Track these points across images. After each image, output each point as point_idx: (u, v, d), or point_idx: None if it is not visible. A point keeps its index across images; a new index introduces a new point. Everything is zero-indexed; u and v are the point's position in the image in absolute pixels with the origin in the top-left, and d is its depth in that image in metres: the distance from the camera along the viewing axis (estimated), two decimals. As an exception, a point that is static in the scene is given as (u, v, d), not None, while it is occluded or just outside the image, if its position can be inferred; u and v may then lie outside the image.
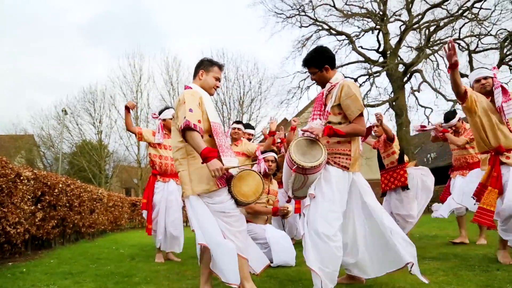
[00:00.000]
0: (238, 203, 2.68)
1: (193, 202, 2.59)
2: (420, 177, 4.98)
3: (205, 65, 2.87)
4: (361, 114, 2.65)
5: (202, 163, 2.48)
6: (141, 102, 23.69)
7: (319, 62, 2.80)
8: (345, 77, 2.97)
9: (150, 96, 23.80)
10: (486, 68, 3.66)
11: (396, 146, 4.97)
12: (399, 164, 4.85)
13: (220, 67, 2.90)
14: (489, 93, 3.52)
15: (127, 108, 4.49)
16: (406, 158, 5.10)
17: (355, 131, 2.66)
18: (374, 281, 2.90)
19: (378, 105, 18.55)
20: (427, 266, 3.42)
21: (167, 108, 4.85)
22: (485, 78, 3.55)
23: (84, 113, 24.20)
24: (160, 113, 4.79)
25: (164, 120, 4.72)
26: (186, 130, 2.51)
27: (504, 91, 3.38)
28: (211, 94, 2.84)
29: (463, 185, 4.36)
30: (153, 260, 4.56)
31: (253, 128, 5.67)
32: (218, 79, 2.87)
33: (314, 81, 2.93)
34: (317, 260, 2.49)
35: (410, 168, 5.01)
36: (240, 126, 4.99)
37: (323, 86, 2.88)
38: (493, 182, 3.31)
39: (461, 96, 3.37)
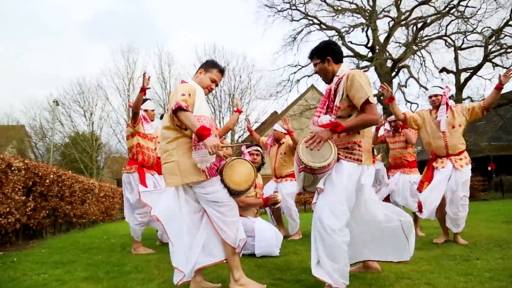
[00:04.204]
0: (231, 192, 2.66)
1: (179, 192, 2.62)
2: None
3: (206, 65, 2.87)
4: (368, 102, 2.46)
5: (198, 141, 2.44)
6: (134, 96, 23.48)
7: (322, 53, 2.70)
8: None
9: (142, 88, 23.48)
10: (439, 87, 4.41)
11: None
12: None
13: (221, 70, 2.88)
14: (438, 108, 4.32)
15: (143, 89, 4.13)
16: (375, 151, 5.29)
17: (364, 121, 2.48)
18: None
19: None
20: (410, 256, 3.47)
21: (146, 99, 4.66)
22: (436, 95, 4.36)
23: (75, 105, 23.94)
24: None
25: (145, 111, 4.57)
26: (178, 111, 2.44)
27: (448, 107, 4.22)
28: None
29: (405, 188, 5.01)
30: (144, 250, 4.53)
31: None
32: (214, 81, 2.84)
33: (317, 74, 2.82)
34: (326, 256, 2.38)
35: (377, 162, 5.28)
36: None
37: (326, 81, 2.77)
38: (429, 178, 4.25)
39: (402, 120, 4.46)
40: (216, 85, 2.90)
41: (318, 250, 2.41)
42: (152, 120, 4.68)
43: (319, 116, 2.62)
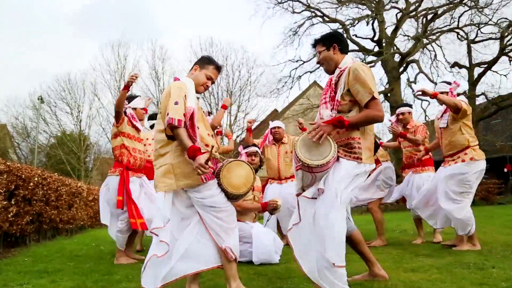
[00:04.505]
0: (229, 196, 2.66)
1: (169, 197, 2.65)
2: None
3: (202, 61, 2.89)
4: (373, 98, 2.47)
5: (190, 158, 2.47)
6: (125, 92, 23.43)
7: (327, 40, 2.72)
8: None
9: (134, 86, 23.53)
10: (446, 82, 4.40)
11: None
12: None
13: (217, 67, 2.90)
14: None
15: (127, 86, 4.07)
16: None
17: (368, 118, 2.50)
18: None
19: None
20: (420, 264, 3.47)
21: (136, 96, 4.63)
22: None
23: (62, 102, 23.90)
24: (129, 100, 4.51)
25: (134, 109, 4.48)
26: (172, 128, 2.51)
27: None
28: (198, 92, 2.82)
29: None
30: (126, 260, 4.47)
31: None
32: (210, 79, 2.86)
33: (319, 64, 2.84)
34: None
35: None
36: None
37: (328, 71, 2.77)
38: None
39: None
40: (212, 83, 2.92)
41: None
42: (141, 120, 4.60)
43: (325, 104, 2.64)
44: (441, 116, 4.33)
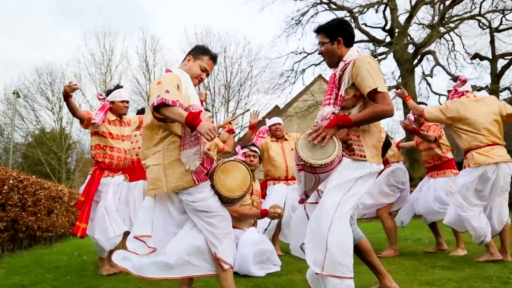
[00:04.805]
0: (223, 200, 2.66)
1: (158, 202, 2.67)
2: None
3: (196, 51, 2.90)
4: (377, 91, 2.46)
5: (191, 131, 2.47)
6: (112, 85, 23.34)
7: (333, 31, 2.71)
8: None
9: (123, 79, 23.57)
10: (455, 79, 4.44)
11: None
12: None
13: (213, 58, 2.90)
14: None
15: (65, 97, 4.06)
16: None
17: (374, 114, 2.49)
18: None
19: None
20: (437, 276, 3.45)
21: (118, 87, 4.56)
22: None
23: (41, 97, 23.87)
24: (108, 94, 4.48)
25: (112, 102, 4.41)
26: (161, 108, 2.45)
27: None
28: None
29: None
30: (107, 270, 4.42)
31: None
32: (205, 70, 2.86)
33: (320, 56, 2.84)
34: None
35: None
36: (209, 114, 5.08)
37: (330, 65, 2.78)
38: None
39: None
40: (207, 75, 2.93)
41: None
42: (123, 114, 4.49)
43: (328, 104, 2.63)
44: None
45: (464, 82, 4.31)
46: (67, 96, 4.04)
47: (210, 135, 2.34)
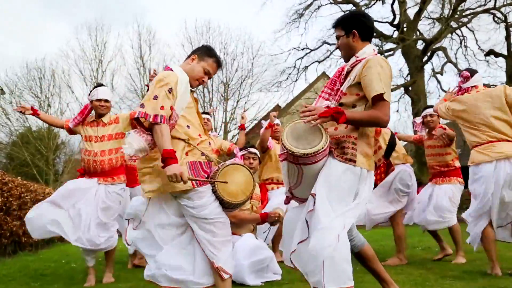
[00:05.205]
0: (224, 205, 2.66)
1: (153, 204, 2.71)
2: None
3: (201, 51, 2.93)
4: (382, 98, 2.47)
5: (162, 167, 2.49)
6: (103, 83, 23.27)
7: (348, 24, 2.72)
8: None
9: (116, 76, 23.56)
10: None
11: None
12: (385, 159, 4.81)
13: (218, 61, 2.95)
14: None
15: (34, 113, 4.48)
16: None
17: (371, 118, 2.50)
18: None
19: (391, 90, 18.53)
20: (447, 287, 3.44)
21: (99, 85, 4.55)
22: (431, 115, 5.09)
23: (28, 94, 23.80)
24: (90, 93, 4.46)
25: (91, 102, 4.37)
26: (154, 125, 2.53)
27: None
28: (191, 87, 2.84)
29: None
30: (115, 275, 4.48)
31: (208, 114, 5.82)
32: (208, 73, 2.90)
33: (338, 49, 2.86)
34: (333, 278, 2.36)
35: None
36: (208, 116, 5.24)
37: (346, 59, 2.78)
38: None
39: None
40: (209, 78, 2.96)
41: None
42: (102, 114, 4.39)
43: (327, 99, 2.67)
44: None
45: (466, 78, 4.23)
46: (34, 115, 4.43)
47: (173, 180, 2.44)
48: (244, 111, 5.33)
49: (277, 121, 5.58)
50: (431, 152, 5.18)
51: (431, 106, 5.28)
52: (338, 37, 2.76)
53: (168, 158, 2.45)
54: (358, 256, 2.69)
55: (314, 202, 2.45)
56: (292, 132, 2.48)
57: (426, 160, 5.36)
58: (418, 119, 5.30)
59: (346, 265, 2.39)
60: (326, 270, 2.34)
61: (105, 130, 4.38)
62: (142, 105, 2.55)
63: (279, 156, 2.58)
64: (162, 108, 2.53)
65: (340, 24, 2.75)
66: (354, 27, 2.69)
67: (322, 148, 2.40)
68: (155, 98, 2.54)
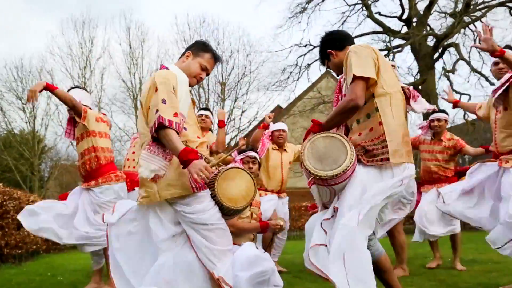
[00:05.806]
0: (223, 211, 2.67)
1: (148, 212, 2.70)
2: None
3: (196, 47, 2.95)
4: (354, 80, 2.51)
5: (183, 168, 2.48)
6: (92, 82, 23.36)
7: (323, 54, 2.96)
8: None
9: (105, 75, 23.52)
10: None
11: None
12: None
13: (215, 57, 2.97)
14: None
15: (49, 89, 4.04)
16: None
17: (338, 110, 2.57)
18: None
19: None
20: (462, 300, 3.44)
21: (76, 87, 4.53)
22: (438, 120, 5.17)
23: (10, 95, 23.79)
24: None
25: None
26: (159, 129, 2.51)
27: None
28: (190, 85, 2.86)
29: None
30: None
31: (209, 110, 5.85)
32: (205, 70, 2.92)
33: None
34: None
35: None
36: (207, 113, 5.37)
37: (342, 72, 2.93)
38: None
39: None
40: (207, 74, 2.98)
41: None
42: (81, 115, 4.22)
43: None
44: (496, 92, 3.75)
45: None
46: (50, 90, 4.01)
47: (201, 176, 2.39)
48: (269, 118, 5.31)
49: (283, 126, 5.60)
50: (435, 157, 5.23)
51: (443, 111, 5.30)
52: (328, 67, 3.00)
53: (190, 153, 2.41)
54: (374, 266, 2.69)
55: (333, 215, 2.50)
56: (313, 153, 2.46)
57: (421, 163, 5.42)
58: (424, 123, 5.36)
59: (370, 275, 2.41)
60: (349, 274, 2.35)
61: (77, 131, 4.33)
62: (157, 111, 2.51)
63: (308, 183, 2.60)
64: (175, 115, 2.53)
65: (321, 59, 3.01)
66: (327, 48, 2.91)
67: (350, 163, 2.38)
68: (164, 102, 2.54)
